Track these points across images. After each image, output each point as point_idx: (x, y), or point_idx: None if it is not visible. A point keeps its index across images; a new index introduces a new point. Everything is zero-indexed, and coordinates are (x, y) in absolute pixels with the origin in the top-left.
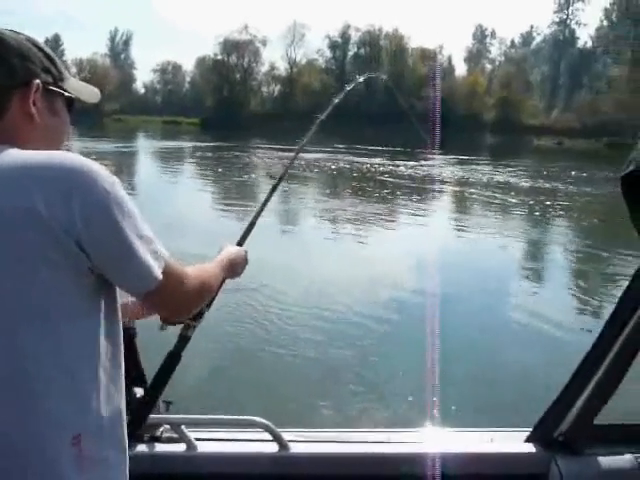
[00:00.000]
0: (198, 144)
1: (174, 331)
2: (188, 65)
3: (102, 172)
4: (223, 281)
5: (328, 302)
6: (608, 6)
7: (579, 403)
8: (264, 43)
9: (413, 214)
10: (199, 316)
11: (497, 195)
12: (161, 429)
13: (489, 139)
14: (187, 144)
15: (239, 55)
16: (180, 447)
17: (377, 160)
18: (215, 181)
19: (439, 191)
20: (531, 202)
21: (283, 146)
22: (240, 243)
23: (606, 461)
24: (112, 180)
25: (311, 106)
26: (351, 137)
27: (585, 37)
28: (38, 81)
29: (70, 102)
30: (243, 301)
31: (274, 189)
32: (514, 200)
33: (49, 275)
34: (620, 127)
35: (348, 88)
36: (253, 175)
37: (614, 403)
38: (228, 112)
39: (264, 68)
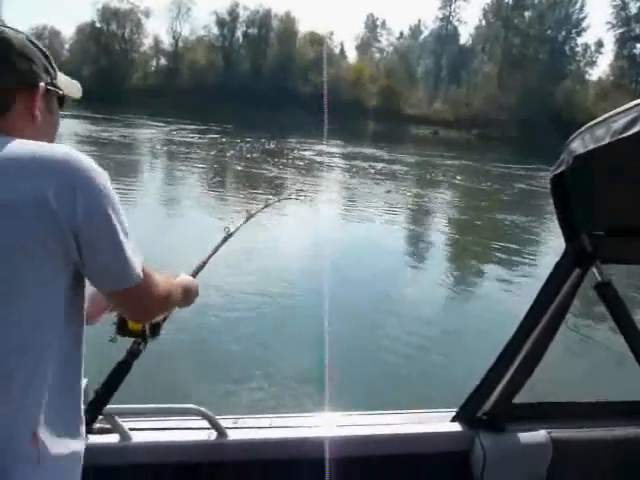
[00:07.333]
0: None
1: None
2: (68, 32)
3: (99, 169)
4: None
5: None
6: (486, 7)
7: (501, 385)
8: (147, 14)
9: (300, 203)
10: (155, 331)
11: (378, 182)
12: None
13: (372, 126)
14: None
15: (119, 25)
16: (113, 438)
17: (263, 145)
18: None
19: (324, 177)
20: (410, 189)
21: (164, 122)
22: (193, 276)
23: (523, 437)
24: (106, 177)
25: (197, 82)
26: (238, 121)
27: (466, 34)
28: (43, 84)
29: (61, 99)
30: None
31: (225, 240)
32: (394, 186)
33: (42, 263)
34: (489, 120)
35: (275, 201)
36: (131, 151)
37: (531, 384)
38: (107, 84)
39: (148, 41)
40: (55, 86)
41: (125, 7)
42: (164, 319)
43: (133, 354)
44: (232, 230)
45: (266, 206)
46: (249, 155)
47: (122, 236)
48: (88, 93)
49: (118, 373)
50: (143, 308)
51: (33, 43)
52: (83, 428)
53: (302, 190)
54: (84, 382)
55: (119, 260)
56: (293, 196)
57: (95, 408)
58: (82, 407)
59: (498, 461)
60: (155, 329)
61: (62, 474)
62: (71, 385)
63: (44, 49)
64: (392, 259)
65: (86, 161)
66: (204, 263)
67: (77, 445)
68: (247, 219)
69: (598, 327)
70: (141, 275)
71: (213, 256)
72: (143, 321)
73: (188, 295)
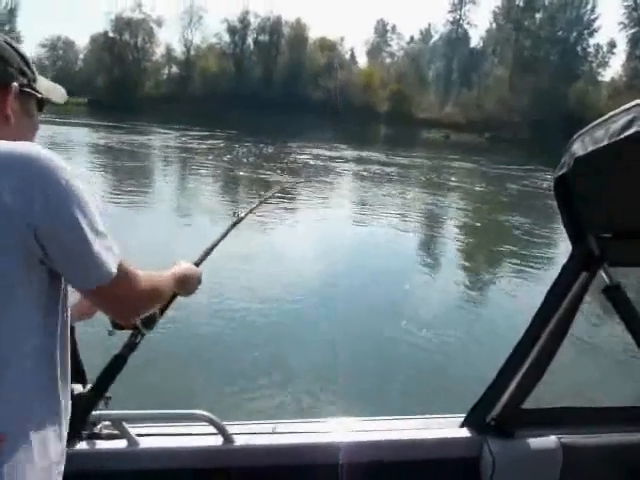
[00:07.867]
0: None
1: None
2: (82, 42)
3: (62, 164)
4: (175, 296)
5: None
6: (496, 9)
7: (509, 390)
8: (159, 23)
9: (308, 206)
10: (150, 324)
11: (387, 186)
12: (100, 425)
13: (383, 130)
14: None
15: (132, 34)
16: (121, 443)
17: (272, 150)
18: (97, 167)
19: (335, 182)
20: (421, 192)
21: (173, 130)
22: (197, 264)
23: (533, 442)
24: (72, 172)
25: (208, 90)
26: (246, 126)
27: (477, 37)
28: (16, 84)
29: (41, 102)
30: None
31: (234, 225)
32: (405, 190)
33: (5, 266)
34: (501, 123)
35: (293, 183)
36: (138, 160)
37: (540, 389)
38: (120, 93)
39: (160, 50)
40: (32, 88)
41: (138, 17)
42: (161, 312)
43: (130, 347)
44: (242, 215)
45: (279, 191)
46: (245, 160)
47: (88, 232)
48: (102, 102)
49: (114, 366)
50: (121, 307)
51: (10, 45)
52: (64, 429)
53: (313, 177)
54: (88, 387)
55: (85, 257)
56: (302, 180)
57: (90, 400)
58: (65, 406)
59: (507, 467)
60: (149, 322)
61: (33, 475)
62: (51, 386)
63: (22, 52)
64: (400, 263)
65: (47, 157)
66: (211, 249)
67: (53, 446)
68: (257, 205)
69: (608, 330)
70: (113, 273)
71: (221, 244)
72: (124, 320)
73: (186, 284)
